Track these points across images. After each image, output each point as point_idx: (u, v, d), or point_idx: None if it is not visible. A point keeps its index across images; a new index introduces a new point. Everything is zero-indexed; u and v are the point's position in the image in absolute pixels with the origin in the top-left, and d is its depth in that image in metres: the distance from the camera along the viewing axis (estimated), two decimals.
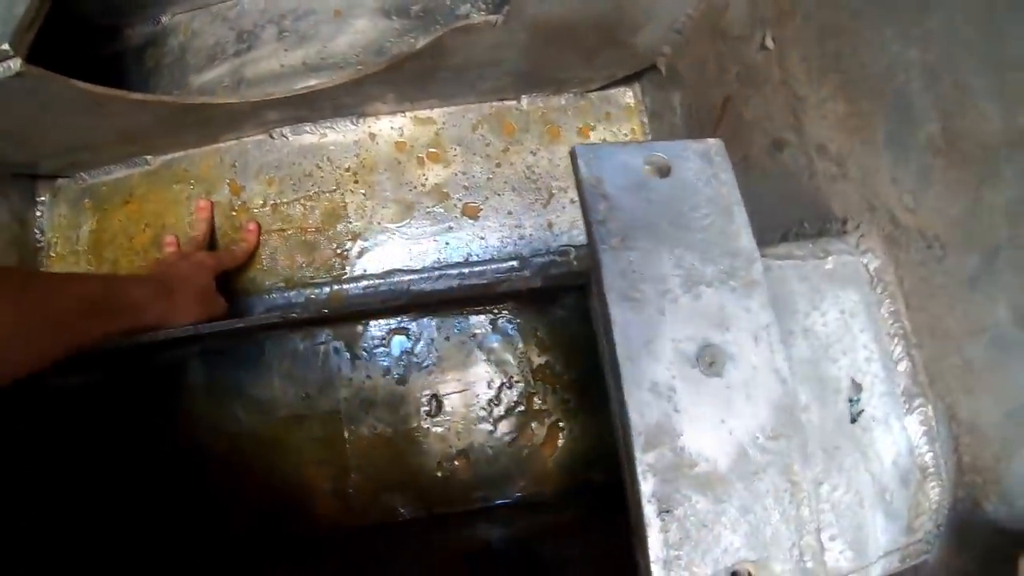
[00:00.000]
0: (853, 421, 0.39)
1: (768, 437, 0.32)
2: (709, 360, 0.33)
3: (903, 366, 0.41)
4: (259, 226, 0.78)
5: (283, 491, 0.74)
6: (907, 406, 0.41)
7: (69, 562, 0.69)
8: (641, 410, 0.32)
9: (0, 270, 0.52)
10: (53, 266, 0.82)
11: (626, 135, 0.81)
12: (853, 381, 0.40)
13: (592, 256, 0.35)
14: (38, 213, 0.83)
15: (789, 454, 0.32)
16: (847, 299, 0.42)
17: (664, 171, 0.37)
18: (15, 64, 0.57)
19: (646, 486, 0.31)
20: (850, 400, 0.40)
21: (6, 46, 0.56)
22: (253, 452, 0.75)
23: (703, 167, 0.38)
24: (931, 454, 0.40)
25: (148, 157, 0.82)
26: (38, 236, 0.83)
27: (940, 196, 0.38)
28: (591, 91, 0.82)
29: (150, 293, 0.61)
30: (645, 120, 0.82)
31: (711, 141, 0.39)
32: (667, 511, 0.31)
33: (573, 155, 0.37)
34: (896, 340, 0.41)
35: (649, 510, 0.31)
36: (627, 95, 0.83)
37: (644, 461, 0.31)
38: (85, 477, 0.73)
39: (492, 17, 0.62)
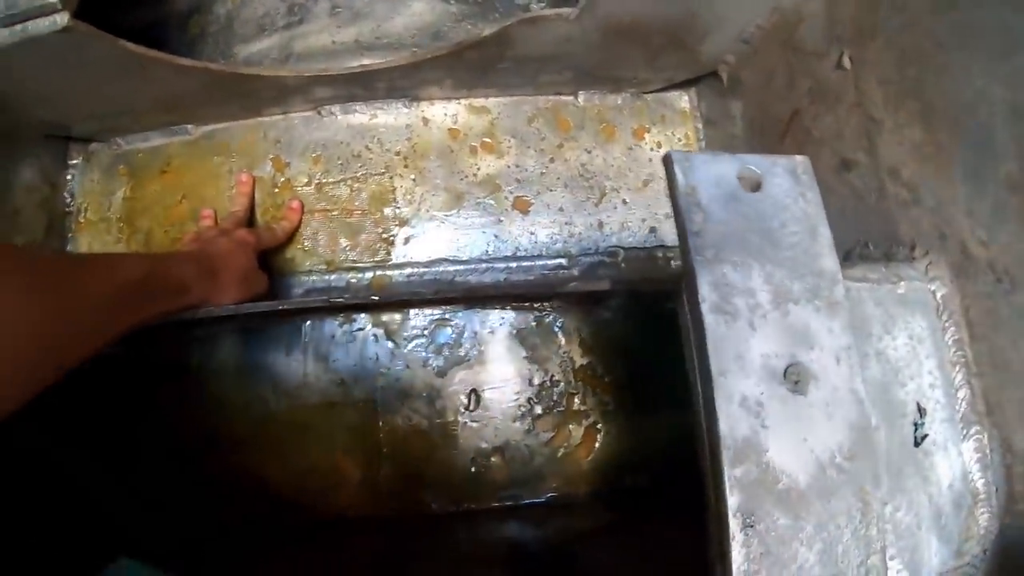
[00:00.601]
0: (917, 445, 0.43)
1: (845, 457, 0.36)
2: (795, 378, 0.36)
3: (963, 393, 0.45)
4: (302, 205, 0.82)
5: (310, 477, 0.79)
6: (964, 432, 0.45)
7: (81, 536, 0.74)
8: (731, 424, 0.35)
9: (42, 260, 0.52)
10: (82, 231, 0.86)
11: (680, 140, 0.86)
12: (919, 405, 0.44)
13: (686, 266, 0.39)
14: (69, 176, 0.87)
15: (863, 474, 0.36)
16: (916, 325, 0.46)
17: (755, 185, 0.41)
18: (62, 19, 0.60)
19: (732, 500, 0.34)
20: (915, 424, 0.44)
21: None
22: (281, 436, 0.79)
23: (791, 184, 0.41)
24: (983, 480, 0.44)
25: (188, 126, 0.85)
26: (68, 200, 0.87)
27: (1014, 232, 0.42)
28: (648, 92, 0.86)
29: (194, 273, 0.64)
30: (699, 126, 0.87)
31: (798, 159, 0.42)
32: (751, 526, 0.34)
33: (668, 160, 0.40)
34: (958, 368, 0.45)
35: (734, 524, 0.34)
36: (683, 99, 0.87)
37: (732, 475, 0.34)
38: (101, 454, 0.77)
39: (565, 11, 0.66)
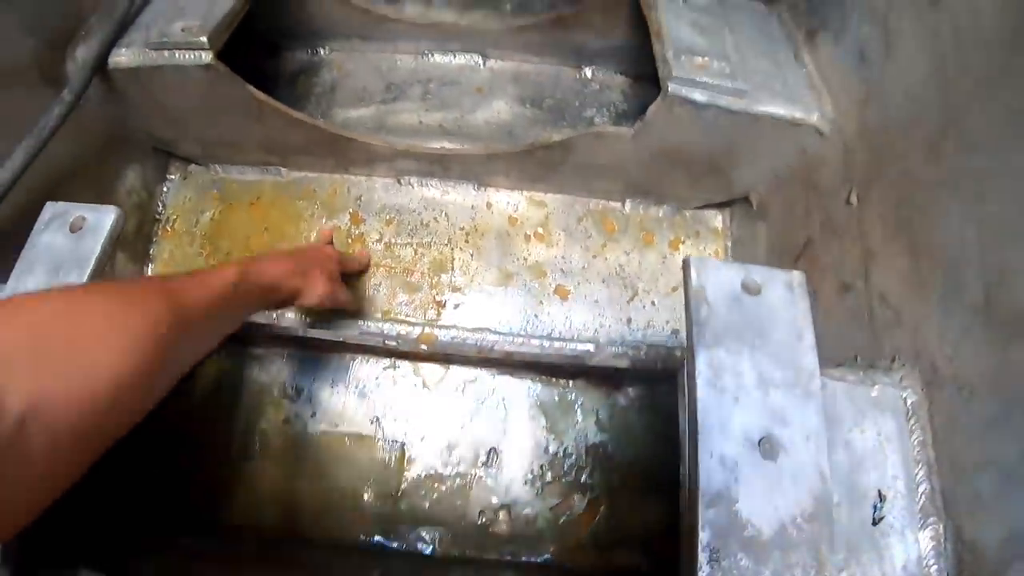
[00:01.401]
0: (874, 524, 0.54)
1: (805, 520, 0.47)
2: (768, 447, 0.49)
3: (923, 488, 0.55)
4: (370, 257, 1.01)
5: (332, 498, 0.94)
6: (922, 522, 0.54)
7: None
8: (709, 475, 0.47)
9: (150, 289, 0.56)
10: (167, 239, 1.05)
11: (710, 254, 1.05)
12: (879, 492, 0.55)
13: (689, 347, 0.53)
14: (165, 188, 1.08)
15: (819, 537, 0.46)
16: (885, 424, 0.57)
17: (755, 291, 0.55)
18: (206, 56, 0.81)
19: (704, 536, 0.46)
20: (874, 506, 0.54)
21: (204, 39, 0.80)
22: (313, 455, 0.95)
23: (786, 293, 0.55)
24: (936, 567, 0.53)
25: (282, 169, 1.07)
26: (159, 209, 1.07)
27: (975, 351, 0.53)
28: (687, 209, 1.06)
29: (283, 270, 0.75)
30: (729, 244, 1.06)
31: (795, 273, 0.56)
32: (716, 560, 0.45)
33: (687, 264, 0.55)
34: (920, 466, 0.56)
35: (703, 556, 0.45)
36: (717, 219, 1.07)
37: (705, 516, 0.46)
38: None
39: (624, 129, 0.86)
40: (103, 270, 0.67)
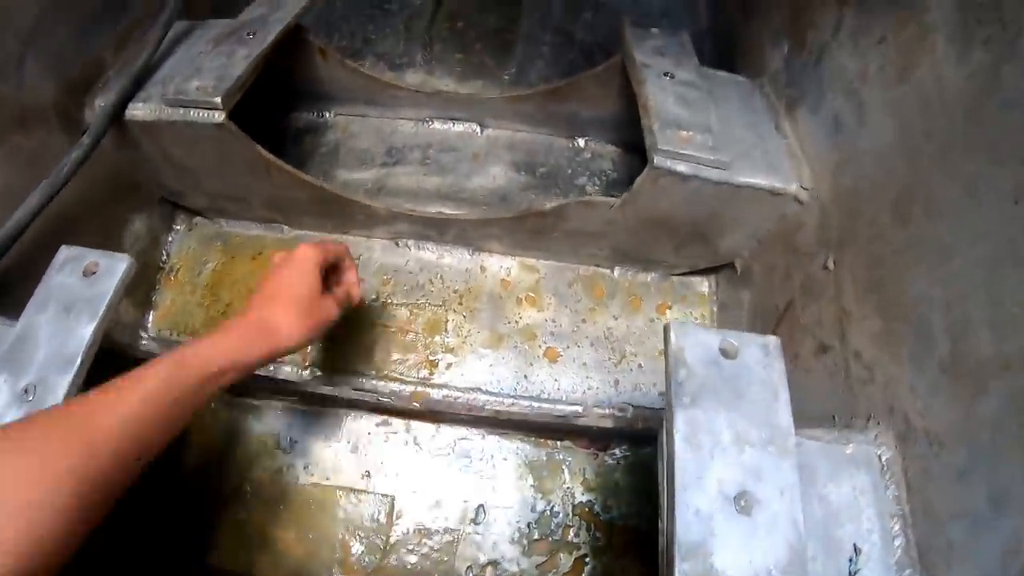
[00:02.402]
0: None
1: (780, 572, 0.50)
2: (743, 502, 0.52)
3: (899, 541, 0.58)
4: (363, 301, 1.06)
5: (320, 548, 0.98)
6: (897, 574, 0.57)
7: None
8: (686, 527, 0.51)
9: (48, 431, 0.53)
10: (169, 287, 1.12)
11: (696, 319, 1.12)
12: (855, 545, 0.58)
13: (668, 407, 0.57)
14: (170, 238, 1.15)
15: None
16: (860, 479, 0.60)
17: (732, 354, 0.59)
18: (218, 115, 0.87)
19: None
20: (850, 559, 0.57)
21: (218, 99, 0.86)
22: (303, 506, 1.00)
23: (762, 356, 0.59)
24: None
25: (285, 227, 1.14)
26: (163, 257, 1.14)
27: (944, 405, 0.56)
28: (674, 275, 1.13)
29: (233, 345, 0.67)
30: (715, 308, 1.12)
31: (770, 338, 0.61)
32: None
33: (668, 328, 0.60)
34: (895, 519, 0.59)
35: None
36: (703, 284, 1.14)
37: (681, 567, 0.50)
38: None
39: (611, 199, 0.93)
40: (113, 312, 0.73)
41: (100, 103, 0.92)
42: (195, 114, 0.88)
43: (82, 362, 0.68)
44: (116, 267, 0.74)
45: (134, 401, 0.57)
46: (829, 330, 0.76)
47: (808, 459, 0.60)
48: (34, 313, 0.71)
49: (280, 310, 0.72)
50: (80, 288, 0.73)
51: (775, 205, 0.88)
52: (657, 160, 0.83)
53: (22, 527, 0.46)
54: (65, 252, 0.76)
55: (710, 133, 0.85)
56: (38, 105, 0.87)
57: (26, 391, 0.66)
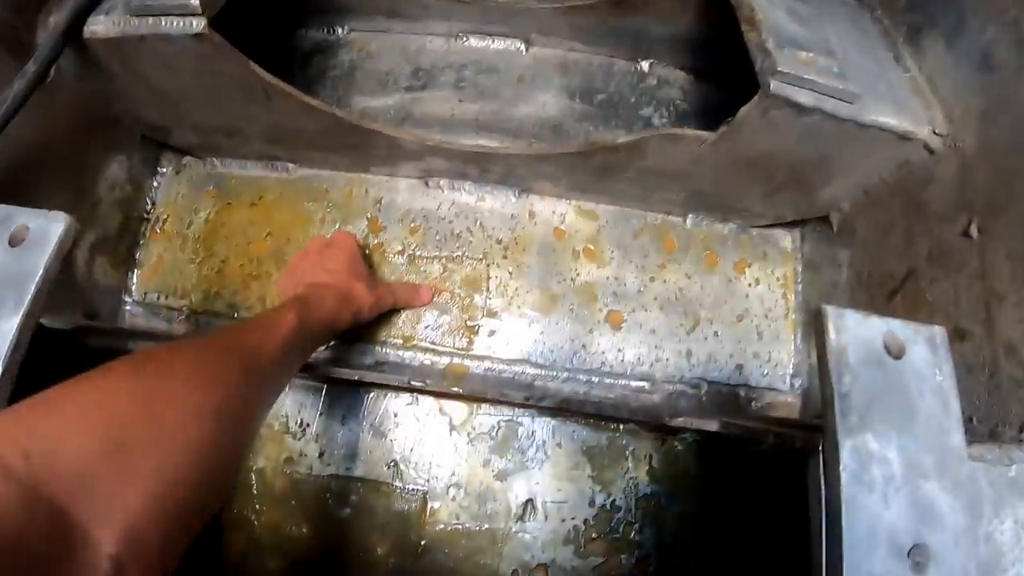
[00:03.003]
0: None
1: None
2: (917, 558, 0.43)
3: None
4: (433, 296, 0.92)
5: (341, 550, 0.86)
6: None
7: None
8: None
9: (224, 351, 0.54)
10: (156, 241, 0.96)
11: (779, 280, 0.96)
12: None
13: (829, 428, 0.46)
14: (155, 183, 0.99)
15: None
16: (1021, 510, 0.52)
17: (898, 352, 0.49)
18: (198, 23, 0.68)
19: None
20: None
21: (196, 2, 0.67)
22: (319, 502, 0.87)
23: (929, 355, 0.49)
24: None
25: (290, 165, 0.97)
26: (148, 206, 0.98)
27: None
28: (754, 227, 0.97)
29: (336, 299, 0.74)
30: (799, 268, 0.97)
31: (936, 329, 0.50)
32: None
33: (822, 315, 0.48)
34: None
35: None
36: (785, 239, 0.98)
37: None
38: None
39: (704, 134, 0.76)
40: (47, 294, 0.55)
41: (53, 20, 0.74)
42: (169, 23, 0.69)
43: (4, 370, 0.51)
44: (50, 231, 0.57)
45: (279, 344, 0.59)
46: (969, 313, 0.65)
47: (973, 488, 0.49)
48: None
49: (356, 282, 0.80)
50: (5, 263, 0.56)
51: (899, 151, 0.74)
52: (774, 86, 0.66)
53: (203, 455, 0.45)
54: None
55: (833, 57, 0.69)
56: None
57: None
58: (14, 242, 0.56)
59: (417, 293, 0.91)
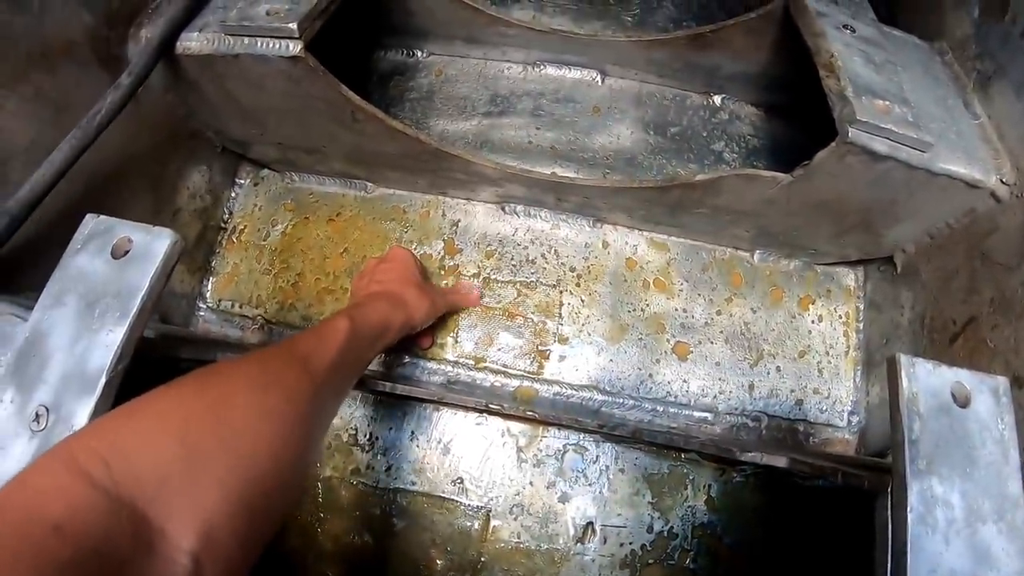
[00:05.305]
0: None
1: None
2: None
3: None
4: (480, 296, 0.99)
5: (399, 566, 0.92)
6: None
7: None
8: None
9: (285, 361, 0.58)
10: (232, 251, 1.03)
11: (841, 317, 1.02)
12: None
13: (898, 471, 0.52)
14: (233, 194, 1.06)
15: None
16: None
17: (964, 401, 0.54)
18: (295, 47, 0.75)
19: None
20: None
21: (294, 26, 0.73)
22: (381, 513, 0.94)
23: (993, 404, 0.54)
24: None
25: (369, 184, 1.04)
26: (225, 216, 1.05)
27: None
28: (819, 264, 1.03)
29: (388, 307, 0.79)
30: (861, 307, 1.02)
31: (1000, 379, 0.55)
32: None
33: (895, 362, 0.54)
34: None
35: None
36: (849, 276, 1.04)
37: None
38: None
39: (779, 175, 0.82)
40: (151, 309, 0.59)
41: (146, 34, 0.81)
42: (264, 45, 0.76)
43: (107, 382, 0.54)
44: (156, 246, 0.59)
45: (334, 353, 0.63)
46: None
47: None
48: (49, 307, 0.57)
49: (410, 289, 0.85)
50: (108, 275, 0.58)
51: (966, 199, 0.79)
52: (852, 134, 0.72)
53: (271, 455, 0.49)
54: (91, 224, 0.61)
55: (908, 105, 0.74)
56: (66, 38, 0.76)
57: (37, 417, 0.53)
58: (116, 254, 0.59)
59: (468, 294, 0.98)
